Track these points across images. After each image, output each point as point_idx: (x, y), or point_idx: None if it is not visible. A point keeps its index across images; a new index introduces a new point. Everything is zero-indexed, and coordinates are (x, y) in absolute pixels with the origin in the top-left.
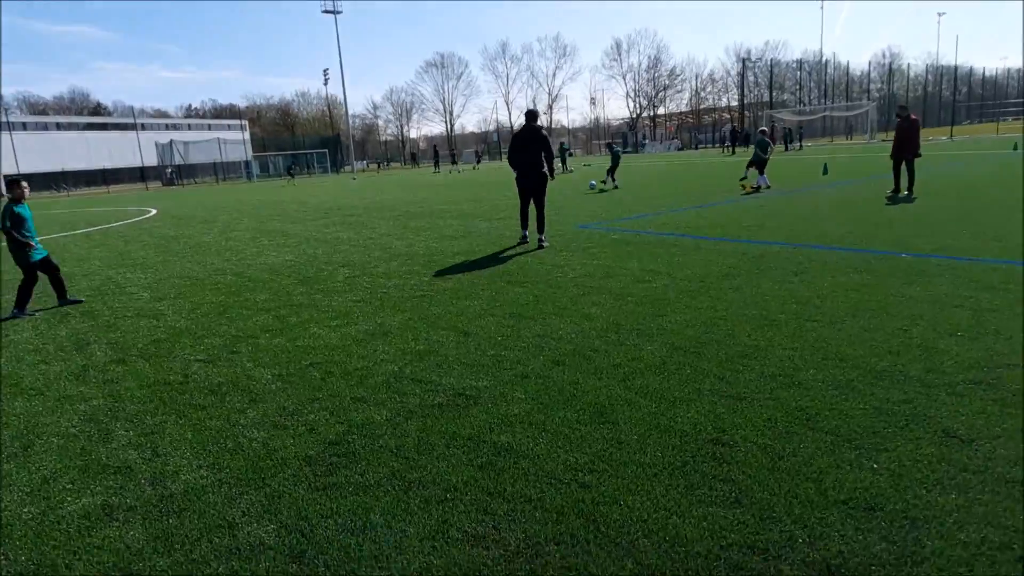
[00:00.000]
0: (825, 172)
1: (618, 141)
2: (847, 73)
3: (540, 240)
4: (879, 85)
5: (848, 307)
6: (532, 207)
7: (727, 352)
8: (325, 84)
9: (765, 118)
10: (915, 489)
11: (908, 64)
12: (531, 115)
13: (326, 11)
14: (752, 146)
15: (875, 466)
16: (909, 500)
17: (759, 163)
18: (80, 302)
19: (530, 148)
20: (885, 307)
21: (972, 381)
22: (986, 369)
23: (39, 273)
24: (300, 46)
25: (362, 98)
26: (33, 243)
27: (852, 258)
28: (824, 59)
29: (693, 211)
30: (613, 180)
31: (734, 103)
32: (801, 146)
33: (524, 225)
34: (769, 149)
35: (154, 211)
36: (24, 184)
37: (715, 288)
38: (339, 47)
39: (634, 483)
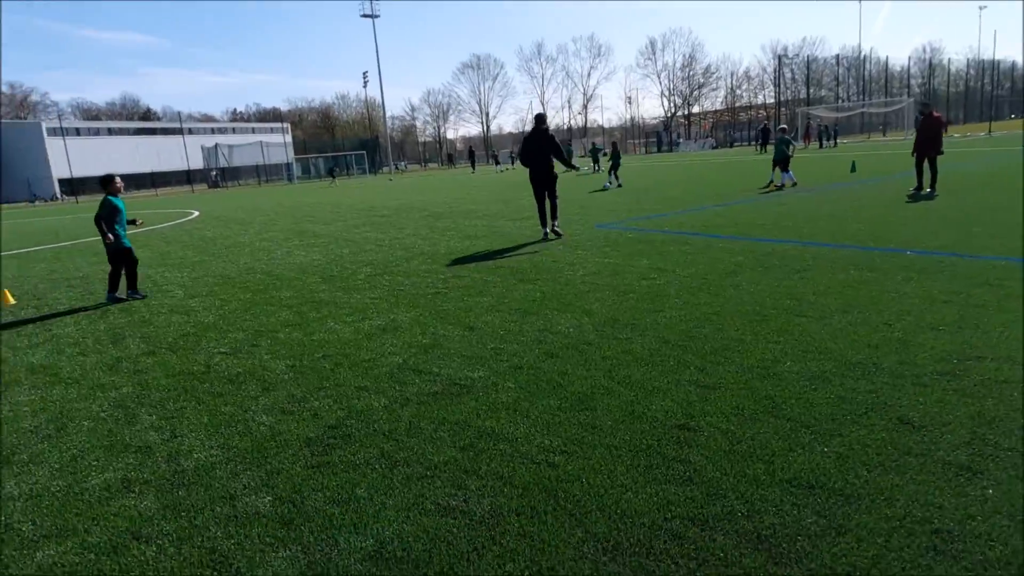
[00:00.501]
0: (853, 170)
1: (615, 139)
2: (886, 69)
3: (554, 226)
4: (920, 80)
5: (841, 303)
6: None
7: (712, 345)
8: (364, 87)
9: (800, 115)
10: (857, 470)
11: (949, 59)
12: (540, 118)
13: (364, 15)
14: (774, 144)
15: (825, 449)
16: (849, 479)
17: (783, 161)
18: (144, 296)
19: (539, 148)
20: (876, 303)
21: (939, 372)
22: (956, 361)
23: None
24: (340, 49)
25: (400, 100)
26: (111, 237)
27: (858, 256)
28: (862, 55)
29: (712, 210)
30: (616, 179)
31: (770, 100)
32: (836, 143)
33: (544, 223)
34: (791, 147)
35: (196, 213)
36: (118, 179)
37: (715, 285)
38: (377, 50)
39: (599, 463)
